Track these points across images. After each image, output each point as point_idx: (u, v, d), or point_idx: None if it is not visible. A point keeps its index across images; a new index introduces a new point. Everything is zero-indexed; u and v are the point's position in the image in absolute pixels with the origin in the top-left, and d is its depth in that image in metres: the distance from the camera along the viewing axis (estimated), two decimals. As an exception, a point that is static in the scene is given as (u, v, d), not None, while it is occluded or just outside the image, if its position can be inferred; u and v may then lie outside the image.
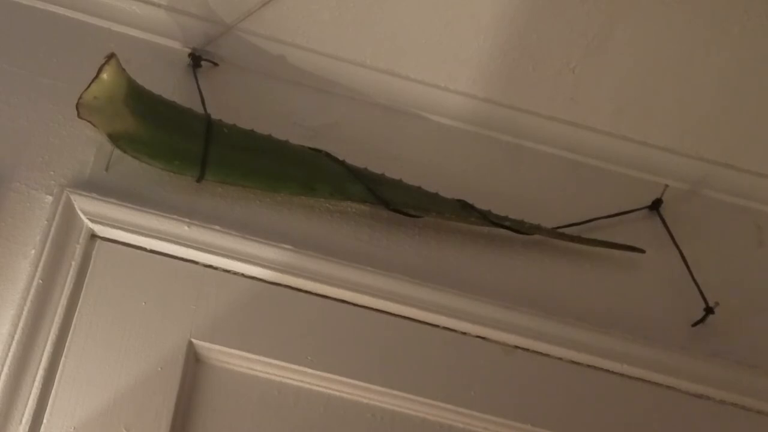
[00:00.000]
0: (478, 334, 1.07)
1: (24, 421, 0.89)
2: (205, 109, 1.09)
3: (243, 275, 1.03)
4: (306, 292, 1.04)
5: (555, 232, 1.16)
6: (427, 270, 1.09)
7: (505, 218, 1.14)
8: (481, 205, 1.13)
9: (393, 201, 1.10)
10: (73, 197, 1.01)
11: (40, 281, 0.95)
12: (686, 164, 1.28)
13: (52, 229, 0.98)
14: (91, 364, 0.93)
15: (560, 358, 1.09)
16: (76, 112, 0.99)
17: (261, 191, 1.08)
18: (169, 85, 1.11)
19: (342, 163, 1.09)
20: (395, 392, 1.02)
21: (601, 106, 1.26)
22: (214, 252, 1.02)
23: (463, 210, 1.12)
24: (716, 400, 1.11)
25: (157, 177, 1.04)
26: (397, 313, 1.06)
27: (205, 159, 1.03)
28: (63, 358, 0.93)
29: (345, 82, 1.22)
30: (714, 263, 1.22)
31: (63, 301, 0.95)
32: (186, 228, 1.02)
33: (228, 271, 1.03)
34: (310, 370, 1.00)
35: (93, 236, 1.01)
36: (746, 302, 1.20)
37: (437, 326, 1.07)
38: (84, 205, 1.01)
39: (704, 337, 1.15)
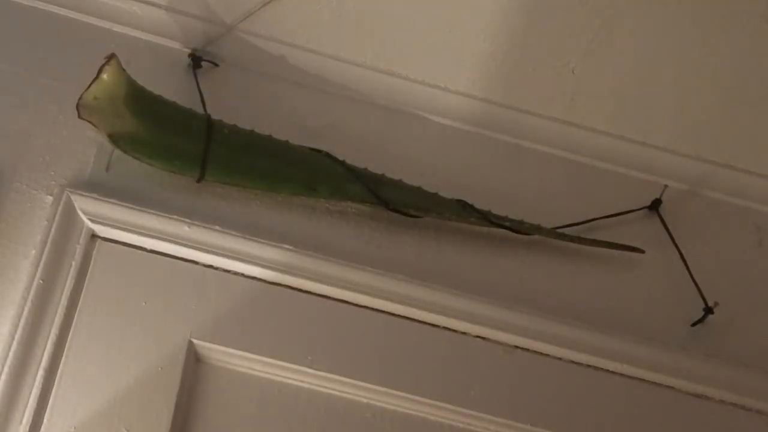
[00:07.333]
0: (478, 334, 1.07)
1: (24, 421, 0.89)
2: (205, 109, 1.09)
3: (243, 275, 1.03)
4: (306, 292, 1.04)
5: (555, 232, 1.16)
6: (427, 270, 1.09)
7: (505, 218, 1.14)
8: (481, 205, 1.13)
9: (393, 201, 1.10)
10: (73, 197, 1.01)
11: (41, 281, 0.95)
12: (686, 164, 1.28)
13: (53, 229, 0.99)
14: (92, 364, 0.94)
15: (560, 358, 1.09)
16: (76, 113, 0.99)
17: (261, 191, 1.08)
18: (169, 85, 1.11)
19: (342, 164, 1.10)
20: (395, 392, 1.02)
21: (600, 106, 1.26)
22: (214, 252, 1.02)
23: (463, 210, 1.12)
24: (716, 400, 1.11)
25: (158, 177, 1.04)
26: (397, 313, 1.06)
27: (205, 159, 1.03)
28: (63, 358, 0.93)
29: (345, 82, 1.22)
30: (714, 263, 1.22)
31: (63, 301, 0.95)
32: (186, 228, 1.02)
33: (228, 271, 1.03)
34: (310, 370, 1.00)
35: (93, 236, 1.01)
36: (746, 302, 1.20)
37: (437, 326, 1.07)
38: (84, 205, 1.01)
39: (704, 337, 1.15)
